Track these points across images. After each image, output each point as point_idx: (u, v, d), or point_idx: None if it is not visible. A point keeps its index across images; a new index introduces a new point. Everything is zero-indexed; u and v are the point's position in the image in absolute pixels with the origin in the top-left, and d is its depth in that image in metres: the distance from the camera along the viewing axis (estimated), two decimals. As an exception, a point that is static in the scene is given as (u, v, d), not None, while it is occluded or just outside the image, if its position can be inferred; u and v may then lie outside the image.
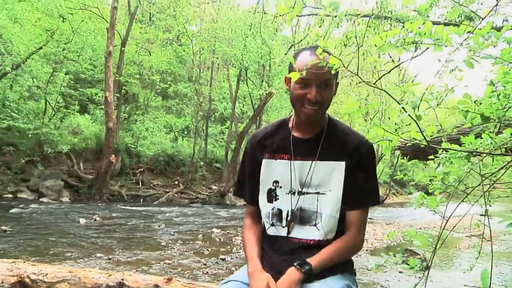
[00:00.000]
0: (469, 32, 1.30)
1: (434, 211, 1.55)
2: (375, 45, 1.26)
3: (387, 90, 1.63)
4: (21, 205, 11.73)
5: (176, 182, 18.60)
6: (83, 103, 20.39)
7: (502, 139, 1.45)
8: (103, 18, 17.28)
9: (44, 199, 13.87)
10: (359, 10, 8.16)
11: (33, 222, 9.59)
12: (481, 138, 1.50)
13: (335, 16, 6.90)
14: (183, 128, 23.88)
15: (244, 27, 18.58)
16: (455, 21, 6.13)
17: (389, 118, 1.58)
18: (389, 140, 1.36)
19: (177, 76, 23.51)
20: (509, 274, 6.61)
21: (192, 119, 22.25)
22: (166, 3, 20.01)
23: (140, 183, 17.64)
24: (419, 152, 2.57)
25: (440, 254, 8.01)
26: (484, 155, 1.49)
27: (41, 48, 16.23)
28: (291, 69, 1.55)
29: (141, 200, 16.66)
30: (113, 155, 15.66)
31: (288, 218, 1.59)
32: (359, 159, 1.54)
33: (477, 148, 1.47)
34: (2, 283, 1.77)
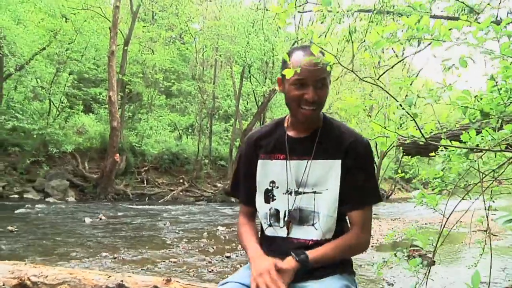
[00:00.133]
0: (468, 26, 1.29)
1: (434, 209, 1.53)
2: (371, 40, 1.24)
3: (391, 86, 1.61)
4: (27, 206, 11.78)
5: (181, 180, 18.63)
6: (87, 103, 20.46)
7: (502, 135, 1.42)
8: (106, 17, 17.31)
9: (50, 199, 13.95)
10: (361, 5, 8.10)
11: (39, 222, 9.63)
12: (481, 134, 1.48)
13: (337, 12, 6.88)
14: (187, 126, 23.90)
15: (247, 24, 18.57)
16: (459, 15, 6.07)
17: (393, 113, 1.56)
18: (386, 137, 1.35)
19: (180, 74, 23.51)
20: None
21: (196, 117, 22.25)
22: (169, 1, 20.00)
23: (145, 182, 17.70)
24: (422, 149, 2.55)
25: (446, 249, 7.97)
26: (485, 151, 1.46)
27: (44, 48, 16.30)
28: (283, 69, 1.53)
29: (146, 198, 16.71)
30: (118, 154, 15.71)
31: (286, 219, 1.58)
32: (355, 157, 1.52)
33: (477, 145, 1.45)
34: (3, 285, 1.78)
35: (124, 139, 18.04)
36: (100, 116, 20.17)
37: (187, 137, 22.79)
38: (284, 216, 1.58)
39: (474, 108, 1.36)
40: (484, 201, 1.50)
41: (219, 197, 17.71)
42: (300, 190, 1.56)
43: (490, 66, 1.57)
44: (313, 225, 1.54)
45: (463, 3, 5.49)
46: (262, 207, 1.64)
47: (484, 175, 1.45)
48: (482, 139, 1.51)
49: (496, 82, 1.50)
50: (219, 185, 19.23)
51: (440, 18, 6.34)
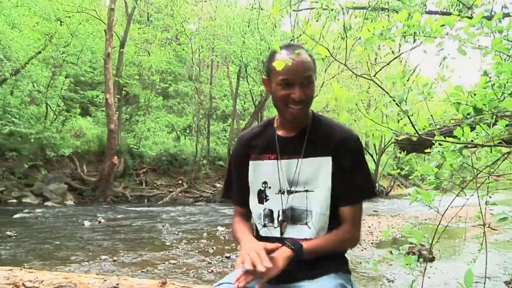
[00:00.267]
0: (459, 21, 1.28)
1: (429, 206, 1.52)
2: (360, 37, 1.23)
3: (387, 82, 1.61)
4: (25, 210, 11.76)
5: (180, 182, 18.62)
6: (84, 106, 20.42)
7: (496, 130, 1.42)
8: (101, 20, 17.27)
9: (49, 203, 13.92)
10: (356, 2, 8.10)
11: (38, 227, 9.61)
12: (475, 130, 1.47)
13: (332, 10, 6.87)
14: (185, 127, 23.87)
15: (242, 24, 18.55)
16: (454, 11, 6.06)
17: (385, 107, 1.55)
18: (378, 131, 1.34)
19: (177, 75, 23.50)
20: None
21: (194, 117, 22.23)
22: (164, 3, 19.97)
23: (143, 184, 17.68)
24: (417, 145, 2.54)
25: (445, 245, 7.97)
26: (479, 147, 1.46)
27: (40, 52, 16.23)
28: (269, 70, 1.54)
29: (145, 200, 16.69)
30: (116, 157, 15.69)
31: (280, 218, 1.57)
32: (346, 153, 1.52)
33: (472, 140, 1.45)
34: (-1, 291, 1.78)
35: (122, 141, 18.02)
36: (98, 119, 20.13)
37: (185, 138, 22.76)
38: (278, 216, 1.58)
39: (467, 104, 1.35)
40: (478, 197, 1.50)
41: (218, 197, 17.69)
42: (292, 189, 1.55)
43: (483, 62, 1.57)
44: (306, 223, 1.54)
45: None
46: (255, 208, 1.64)
47: (478, 171, 1.45)
48: (477, 134, 1.50)
49: (490, 78, 1.50)
50: (218, 185, 19.21)
51: (435, 14, 6.34)
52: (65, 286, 1.66)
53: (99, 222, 10.48)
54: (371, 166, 26.62)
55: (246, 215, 1.72)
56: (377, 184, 25.25)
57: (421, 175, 1.92)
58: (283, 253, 1.41)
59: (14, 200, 13.79)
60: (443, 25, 1.28)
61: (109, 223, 10.48)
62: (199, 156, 19.83)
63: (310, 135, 1.56)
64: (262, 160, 1.63)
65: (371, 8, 7.03)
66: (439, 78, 1.26)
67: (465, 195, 1.65)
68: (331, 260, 1.52)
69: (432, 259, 6.40)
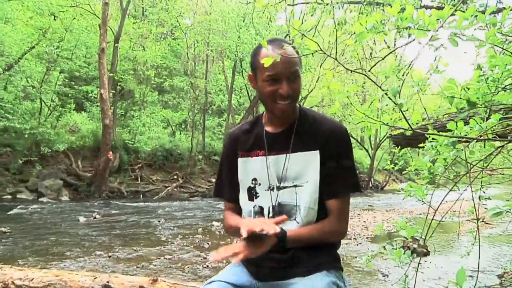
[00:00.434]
0: (452, 15, 1.26)
1: (422, 200, 1.51)
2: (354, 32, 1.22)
3: (381, 77, 1.59)
4: (20, 206, 11.71)
5: (175, 177, 18.58)
6: (79, 101, 20.30)
7: (490, 124, 1.41)
8: (95, 14, 17.13)
9: (44, 199, 13.86)
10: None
11: (33, 223, 9.58)
12: (469, 124, 1.46)
13: (327, 4, 6.84)
14: (180, 122, 23.81)
15: (237, 18, 18.48)
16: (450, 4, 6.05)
17: (379, 101, 1.54)
18: (371, 123, 1.33)
19: (172, 70, 23.41)
20: (509, 257, 6.61)
21: (189, 112, 22.16)
22: (159, -3, 19.87)
23: (139, 179, 17.63)
24: (411, 140, 2.53)
25: (440, 239, 8.01)
26: (472, 141, 1.45)
27: (33, 47, 16.12)
28: (254, 66, 1.53)
29: (141, 196, 16.66)
30: (111, 152, 15.63)
31: (270, 215, 1.56)
32: (333, 145, 1.51)
33: (466, 134, 1.44)
34: (-13, 289, 1.75)
35: (117, 136, 17.95)
36: (92, 114, 20.04)
37: (181, 133, 22.71)
38: (268, 213, 1.57)
39: (460, 98, 1.34)
40: (472, 191, 1.49)
41: (213, 191, 17.66)
42: (282, 185, 1.54)
43: (476, 55, 1.55)
44: (295, 219, 1.53)
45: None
46: (246, 205, 1.63)
47: (471, 165, 1.44)
48: (471, 128, 1.49)
49: (483, 72, 1.48)
50: (213, 180, 19.17)
51: (431, 8, 6.32)
52: (55, 283, 1.64)
53: (95, 217, 10.45)
54: (367, 161, 26.70)
55: (238, 212, 1.70)
56: (372, 179, 25.33)
57: (415, 170, 1.91)
58: (266, 239, 1.39)
59: (9, 196, 13.72)
60: (438, 19, 1.27)
61: (105, 218, 10.45)
62: (195, 151, 19.80)
63: (298, 129, 1.55)
64: (251, 157, 1.62)
65: (366, 3, 7.00)
66: (432, 69, 1.24)
67: (459, 190, 1.64)
68: (323, 257, 1.51)
69: (426, 254, 6.43)
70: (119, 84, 18.75)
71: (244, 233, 1.30)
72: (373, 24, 1.19)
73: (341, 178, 1.51)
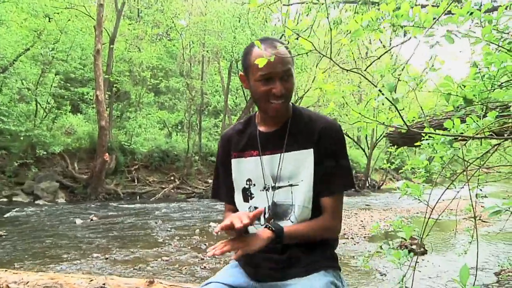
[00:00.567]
0: (448, 12, 1.26)
1: (419, 199, 1.50)
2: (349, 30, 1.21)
3: (377, 77, 1.59)
4: (16, 209, 11.65)
5: (172, 178, 18.53)
6: (75, 103, 20.24)
7: (487, 122, 1.40)
8: (90, 16, 17.07)
9: (40, 202, 13.79)
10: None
11: (29, 225, 9.53)
12: (466, 122, 1.46)
13: (322, 4, 6.84)
14: (176, 123, 23.77)
15: (233, 19, 18.47)
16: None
17: (375, 99, 1.53)
18: (367, 123, 1.32)
19: (168, 71, 23.36)
20: (505, 254, 6.63)
21: (185, 113, 22.13)
22: (154, -2, 19.84)
23: (135, 181, 17.57)
24: (408, 138, 2.52)
25: (437, 237, 8.02)
26: (469, 139, 1.44)
27: (28, 49, 16.04)
28: (246, 66, 1.51)
29: (138, 197, 16.61)
30: (107, 154, 15.58)
31: (266, 216, 1.54)
32: (326, 142, 1.50)
33: (462, 132, 1.43)
34: (-18, 293, 1.73)
35: (113, 138, 17.89)
36: (88, 116, 19.96)
37: (177, 134, 22.67)
38: (264, 214, 1.55)
39: (457, 95, 1.34)
40: (469, 190, 1.48)
41: (211, 193, 17.62)
42: (277, 184, 1.53)
43: (472, 53, 1.55)
44: (289, 218, 1.52)
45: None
46: (241, 206, 1.61)
47: (468, 164, 1.43)
48: (467, 126, 1.49)
49: (479, 69, 1.48)
50: (210, 181, 19.14)
51: (426, 7, 6.33)
52: (51, 286, 1.62)
53: (91, 220, 10.40)
54: (363, 160, 26.74)
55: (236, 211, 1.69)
56: (369, 179, 25.36)
57: (411, 169, 1.91)
58: (264, 234, 1.39)
59: (5, 199, 13.63)
60: (435, 18, 1.26)
61: (101, 220, 10.41)
62: (191, 152, 19.76)
63: (291, 128, 1.54)
64: (244, 157, 1.60)
65: (361, 2, 7.01)
66: (427, 67, 1.24)
67: (456, 188, 1.63)
68: (321, 257, 1.50)
69: (423, 253, 6.43)
70: (115, 85, 18.69)
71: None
72: (369, 21, 1.18)
73: (335, 176, 1.50)
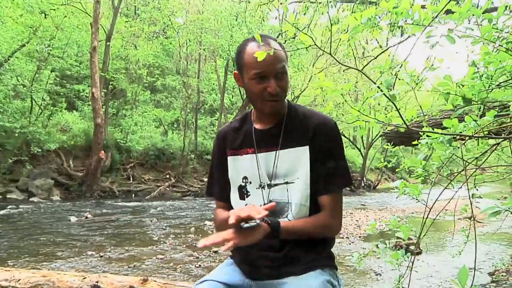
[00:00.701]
0: (447, 11, 1.25)
1: (417, 199, 1.49)
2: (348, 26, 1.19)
3: (375, 75, 1.58)
4: (10, 206, 11.59)
5: (168, 176, 18.50)
6: (71, 100, 20.14)
7: (485, 121, 1.39)
8: (86, 12, 16.98)
9: (34, 199, 13.72)
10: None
11: (23, 223, 9.48)
12: (464, 121, 1.45)
13: (319, 3, 6.83)
14: (172, 121, 23.72)
15: (230, 17, 18.44)
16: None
17: (373, 98, 1.52)
18: (365, 122, 1.30)
19: (164, 69, 23.30)
20: (499, 255, 6.66)
21: (181, 112, 22.09)
22: (151, -5, 19.77)
23: (131, 178, 17.53)
24: (405, 138, 2.51)
25: (433, 238, 8.05)
26: (467, 138, 1.43)
27: (24, 45, 15.94)
28: (240, 64, 1.50)
29: (133, 195, 16.57)
30: (103, 151, 15.53)
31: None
32: (322, 139, 1.48)
33: (461, 132, 1.42)
34: (-27, 291, 1.71)
35: (109, 135, 17.83)
36: (84, 113, 19.89)
37: (173, 132, 22.64)
38: None
39: (456, 94, 1.33)
40: (468, 189, 1.48)
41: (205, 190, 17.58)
42: (273, 182, 1.51)
43: (471, 52, 1.54)
44: (286, 216, 1.50)
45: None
46: (237, 204, 1.59)
47: (467, 163, 1.42)
48: (465, 126, 1.48)
49: (478, 69, 1.47)
50: (205, 179, 19.03)
51: (423, 6, 6.33)
52: (43, 284, 1.60)
53: (86, 217, 10.36)
54: (359, 160, 26.78)
55: (229, 210, 1.67)
56: (365, 178, 25.40)
57: (408, 168, 1.90)
58: (259, 227, 1.36)
59: (-1, 196, 13.59)
60: (435, 17, 1.25)
61: (96, 218, 10.37)
62: (187, 151, 19.73)
63: (287, 125, 1.53)
64: (240, 155, 1.59)
65: (359, 1, 7.00)
66: (427, 66, 1.22)
67: (453, 188, 1.62)
68: (317, 255, 1.49)
69: (418, 252, 6.45)
70: (111, 83, 18.62)
71: (231, 220, 1.26)
72: (368, 18, 1.17)
73: (332, 173, 1.48)
